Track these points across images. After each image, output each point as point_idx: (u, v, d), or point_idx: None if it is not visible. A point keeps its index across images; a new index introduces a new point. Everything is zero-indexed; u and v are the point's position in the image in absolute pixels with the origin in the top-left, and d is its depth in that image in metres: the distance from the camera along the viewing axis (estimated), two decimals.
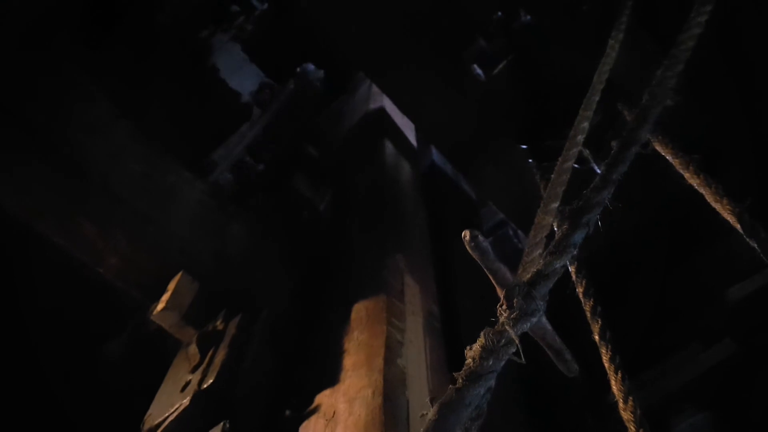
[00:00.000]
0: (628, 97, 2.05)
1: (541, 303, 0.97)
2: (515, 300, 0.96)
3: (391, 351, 1.95)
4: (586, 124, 1.59)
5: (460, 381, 0.92)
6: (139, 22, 3.31)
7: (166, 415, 1.84)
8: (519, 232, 3.41)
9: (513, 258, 1.22)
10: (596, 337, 1.43)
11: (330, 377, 1.98)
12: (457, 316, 2.62)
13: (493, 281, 0.98)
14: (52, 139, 2.22)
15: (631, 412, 1.25)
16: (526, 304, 0.96)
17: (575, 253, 1.04)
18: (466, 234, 0.95)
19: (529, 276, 0.99)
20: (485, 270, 0.98)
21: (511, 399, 2.36)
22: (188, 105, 3.40)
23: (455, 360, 2.27)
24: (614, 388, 1.32)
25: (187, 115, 3.31)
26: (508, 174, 2.78)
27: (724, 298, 2.19)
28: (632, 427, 1.23)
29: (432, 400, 0.93)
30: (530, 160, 2.36)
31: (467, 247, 0.96)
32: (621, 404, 1.28)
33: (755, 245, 1.30)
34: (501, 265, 0.98)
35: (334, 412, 1.80)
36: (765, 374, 2.13)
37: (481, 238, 0.96)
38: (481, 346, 0.94)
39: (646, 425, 1.21)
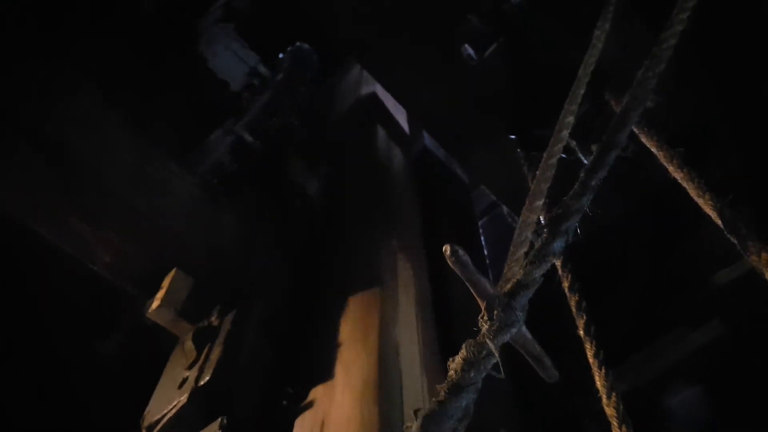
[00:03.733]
0: (617, 86, 2.05)
1: (521, 314, 0.99)
2: (495, 312, 0.98)
3: (385, 324, 2.06)
4: (571, 119, 1.58)
5: (443, 394, 0.94)
6: (125, 9, 3.27)
7: (165, 412, 1.87)
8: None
9: (508, 239, 1.23)
10: (581, 333, 1.46)
11: (327, 358, 2.04)
12: (448, 299, 2.65)
13: (474, 293, 1.00)
14: (39, 132, 2.20)
15: (614, 408, 1.27)
16: (506, 316, 0.98)
17: (555, 261, 1.05)
18: (446, 249, 0.97)
19: (508, 287, 1.01)
20: (466, 282, 1.00)
21: (499, 382, 2.40)
22: (179, 93, 3.37)
23: (447, 342, 2.32)
24: (598, 384, 1.35)
25: (178, 104, 3.29)
26: (500, 157, 2.77)
27: (711, 283, 2.21)
28: (615, 423, 1.25)
29: (416, 412, 0.96)
30: (518, 150, 2.36)
31: (448, 261, 0.97)
32: (604, 400, 1.31)
33: (735, 241, 1.31)
34: (481, 277, 0.99)
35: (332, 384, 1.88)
36: (753, 354, 2.17)
37: (461, 252, 0.97)
38: (463, 359, 0.96)
39: (629, 422, 1.24)
